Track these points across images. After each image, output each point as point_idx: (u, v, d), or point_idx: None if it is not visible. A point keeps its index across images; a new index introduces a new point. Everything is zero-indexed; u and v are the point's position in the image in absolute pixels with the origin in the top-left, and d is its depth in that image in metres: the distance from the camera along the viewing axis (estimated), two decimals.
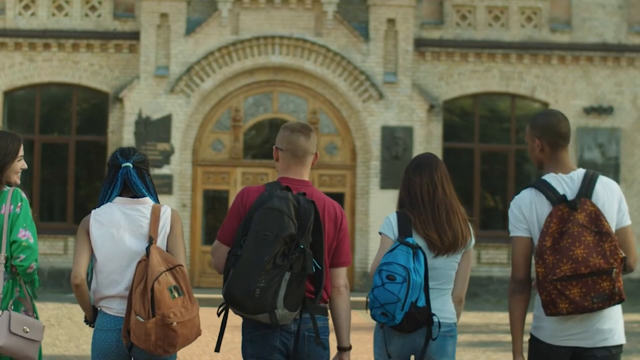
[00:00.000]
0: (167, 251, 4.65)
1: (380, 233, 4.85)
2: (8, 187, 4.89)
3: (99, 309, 4.69)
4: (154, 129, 19.24)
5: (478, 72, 20.11)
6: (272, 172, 19.10)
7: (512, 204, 4.49)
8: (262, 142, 20.11)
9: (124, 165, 4.71)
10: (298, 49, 19.48)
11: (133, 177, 4.71)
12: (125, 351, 4.58)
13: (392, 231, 4.77)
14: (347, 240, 4.68)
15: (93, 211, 4.73)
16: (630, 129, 20.16)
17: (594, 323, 4.36)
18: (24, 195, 4.88)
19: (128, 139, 19.18)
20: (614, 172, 19.93)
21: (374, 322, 4.80)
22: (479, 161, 20.23)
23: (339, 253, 4.63)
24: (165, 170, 19.05)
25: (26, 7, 19.80)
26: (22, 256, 4.75)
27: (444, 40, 20.00)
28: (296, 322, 4.46)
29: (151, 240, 4.58)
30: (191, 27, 19.44)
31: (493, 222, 20.28)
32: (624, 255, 4.25)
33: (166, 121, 19.29)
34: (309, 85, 19.74)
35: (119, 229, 4.66)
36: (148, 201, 4.72)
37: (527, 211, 4.41)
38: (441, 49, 19.95)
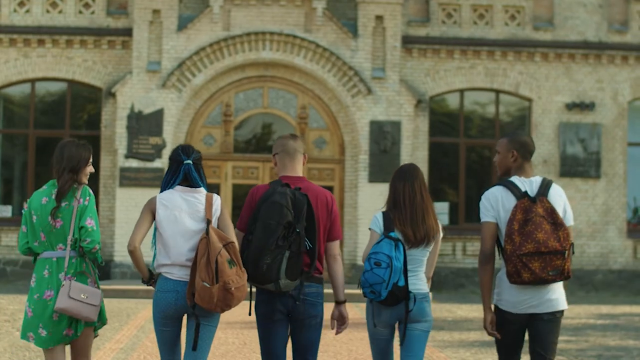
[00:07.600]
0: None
1: (369, 229, 6.01)
2: (78, 185, 6.03)
3: (160, 274, 5.72)
4: (146, 124, 19.51)
5: (463, 68, 20.53)
6: (262, 165, 19.44)
7: (483, 197, 5.87)
8: (253, 136, 20.29)
9: (185, 162, 5.79)
10: (288, 45, 19.80)
11: (193, 171, 5.78)
12: (186, 309, 5.60)
13: (379, 227, 5.95)
14: (338, 220, 5.97)
15: (158, 196, 5.80)
16: (610, 125, 20.64)
17: (545, 294, 5.64)
18: (91, 191, 6.05)
19: (121, 133, 19.46)
20: (595, 166, 20.39)
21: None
22: (464, 155, 20.67)
23: (332, 230, 5.94)
24: (157, 164, 19.24)
25: (21, 4, 20.07)
26: (88, 239, 5.91)
27: (430, 37, 20.42)
28: (296, 288, 5.70)
29: (208, 221, 5.64)
30: (183, 23, 19.75)
31: (478, 215, 20.63)
32: (572, 241, 5.59)
33: (158, 116, 19.57)
34: (298, 81, 20.08)
35: (180, 212, 5.71)
36: (202, 190, 5.80)
37: (495, 203, 5.80)
38: (427, 46, 20.37)
